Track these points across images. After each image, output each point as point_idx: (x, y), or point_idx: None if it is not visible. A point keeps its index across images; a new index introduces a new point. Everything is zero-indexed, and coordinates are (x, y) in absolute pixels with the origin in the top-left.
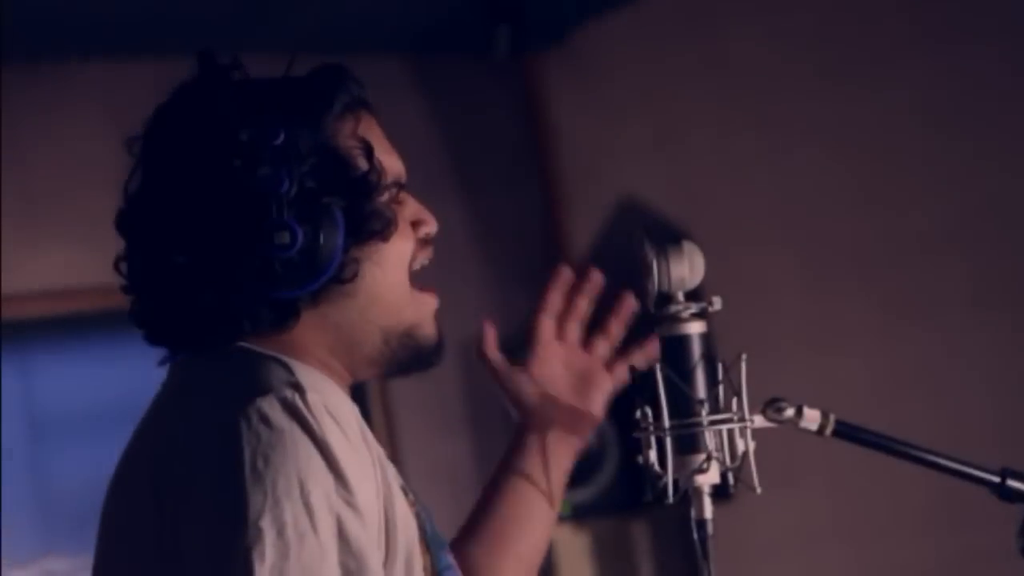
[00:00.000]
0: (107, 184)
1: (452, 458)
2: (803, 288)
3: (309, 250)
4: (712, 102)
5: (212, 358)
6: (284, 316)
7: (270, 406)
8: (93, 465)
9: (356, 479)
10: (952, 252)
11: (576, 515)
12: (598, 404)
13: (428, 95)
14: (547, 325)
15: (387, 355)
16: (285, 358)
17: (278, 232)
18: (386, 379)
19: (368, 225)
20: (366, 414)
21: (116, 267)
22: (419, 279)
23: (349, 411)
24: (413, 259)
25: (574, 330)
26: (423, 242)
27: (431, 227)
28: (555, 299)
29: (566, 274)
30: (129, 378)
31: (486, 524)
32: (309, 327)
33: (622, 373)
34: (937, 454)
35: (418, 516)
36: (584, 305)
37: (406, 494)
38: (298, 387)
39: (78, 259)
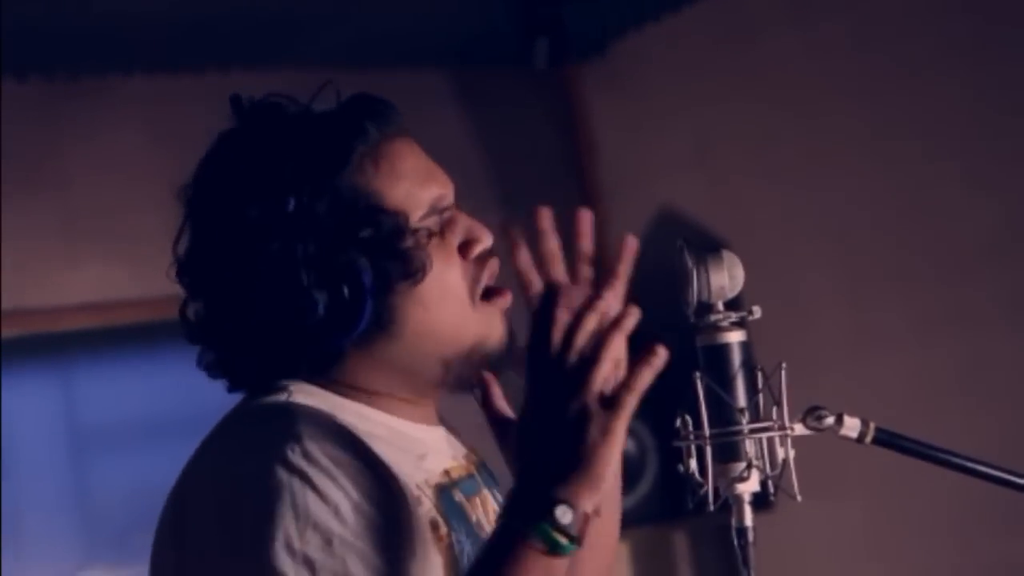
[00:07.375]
0: (147, 199)
1: None
2: (843, 297)
3: (335, 307)
4: (751, 113)
5: (244, 402)
6: (329, 361)
7: (264, 461)
8: (134, 476)
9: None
10: (991, 262)
11: None
12: None
13: (467, 107)
14: None
15: (449, 377)
16: (300, 398)
17: (298, 298)
18: (454, 394)
19: (395, 272)
20: None
21: (181, 314)
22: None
23: (350, 458)
24: (474, 281)
25: None
26: (480, 260)
27: (484, 243)
28: None
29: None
30: (169, 390)
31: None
32: (361, 366)
33: None
34: (978, 461)
35: (450, 548)
36: None
37: (435, 528)
38: (298, 438)
39: (119, 272)
